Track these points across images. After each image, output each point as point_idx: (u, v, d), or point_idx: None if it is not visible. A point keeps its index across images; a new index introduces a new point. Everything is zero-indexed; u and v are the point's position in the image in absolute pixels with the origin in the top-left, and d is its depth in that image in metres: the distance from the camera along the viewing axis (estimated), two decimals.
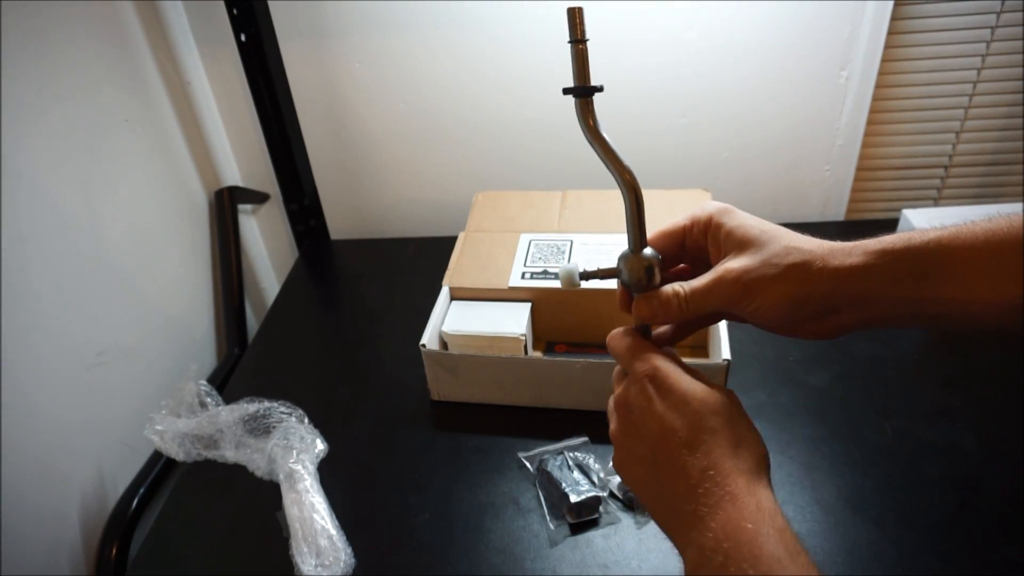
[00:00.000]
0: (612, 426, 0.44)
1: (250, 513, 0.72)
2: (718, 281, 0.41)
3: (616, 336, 0.46)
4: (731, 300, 0.40)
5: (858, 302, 0.38)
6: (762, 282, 0.39)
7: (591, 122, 0.41)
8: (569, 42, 0.40)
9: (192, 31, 1.02)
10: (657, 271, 0.43)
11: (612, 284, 0.46)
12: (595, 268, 0.45)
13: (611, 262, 0.46)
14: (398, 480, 0.74)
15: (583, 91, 0.41)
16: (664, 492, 0.40)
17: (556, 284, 0.81)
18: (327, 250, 1.17)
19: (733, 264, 0.40)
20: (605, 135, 0.42)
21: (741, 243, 0.41)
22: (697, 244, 0.44)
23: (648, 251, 0.43)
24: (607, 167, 0.42)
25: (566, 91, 0.41)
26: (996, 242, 0.35)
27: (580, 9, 0.40)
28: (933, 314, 0.37)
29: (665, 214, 0.88)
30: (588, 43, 0.40)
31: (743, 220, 0.42)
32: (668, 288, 0.43)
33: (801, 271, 0.39)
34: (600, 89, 0.41)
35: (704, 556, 0.36)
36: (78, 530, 0.78)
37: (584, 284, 0.47)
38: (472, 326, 0.80)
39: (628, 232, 0.44)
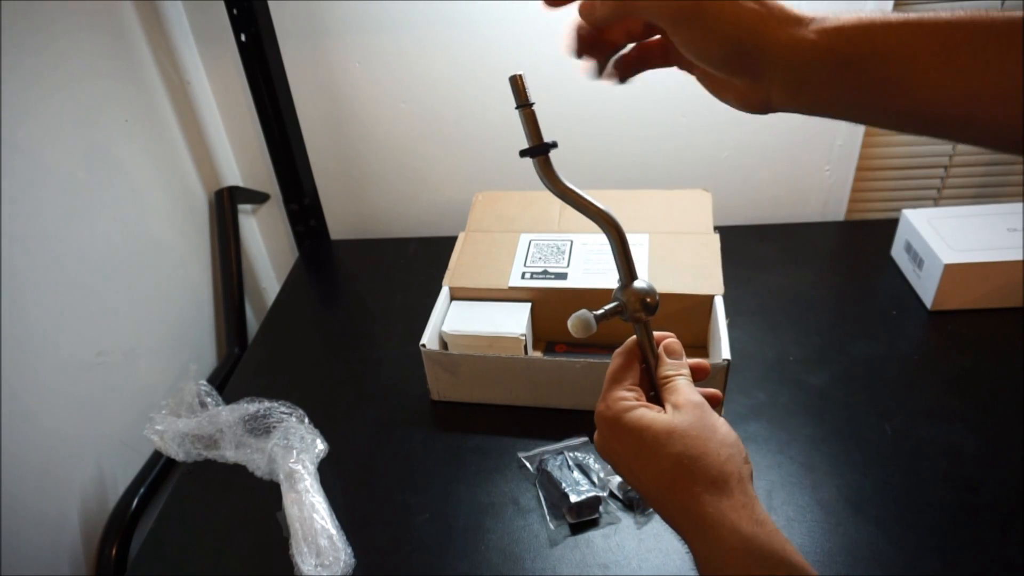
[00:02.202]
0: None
1: (250, 513, 0.72)
2: None
3: (614, 356, 0.46)
4: (667, 14, 0.37)
5: (796, 82, 0.36)
6: (700, 8, 0.36)
7: (553, 177, 0.43)
8: (516, 107, 0.42)
9: (192, 31, 1.02)
10: (651, 297, 0.44)
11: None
12: (602, 311, 0.45)
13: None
14: (398, 480, 0.74)
15: (538, 150, 0.42)
16: (658, 512, 0.43)
17: (556, 284, 0.81)
18: (327, 250, 1.17)
19: None
20: (569, 184, 0.43)
21: None
22: None
23: (640, 282, 0.44)
24: (583, 213, 0.43)
25: (522, 153, 0.42)
26: (958, 25, 0.32)
27: (521, 76, 0.42)
28: (881, 106, 0.36)
29: (665, 214, 0.89)
30: (535, 106, 0.42)
31: None
32: None
33: (745, 16, 0.36)
34: (554, 145, 0.42)
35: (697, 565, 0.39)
36: (78, 530, 0.78)
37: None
38: (472, 326, 0.80)
39: (618, 267, 0.45)
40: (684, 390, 0.43)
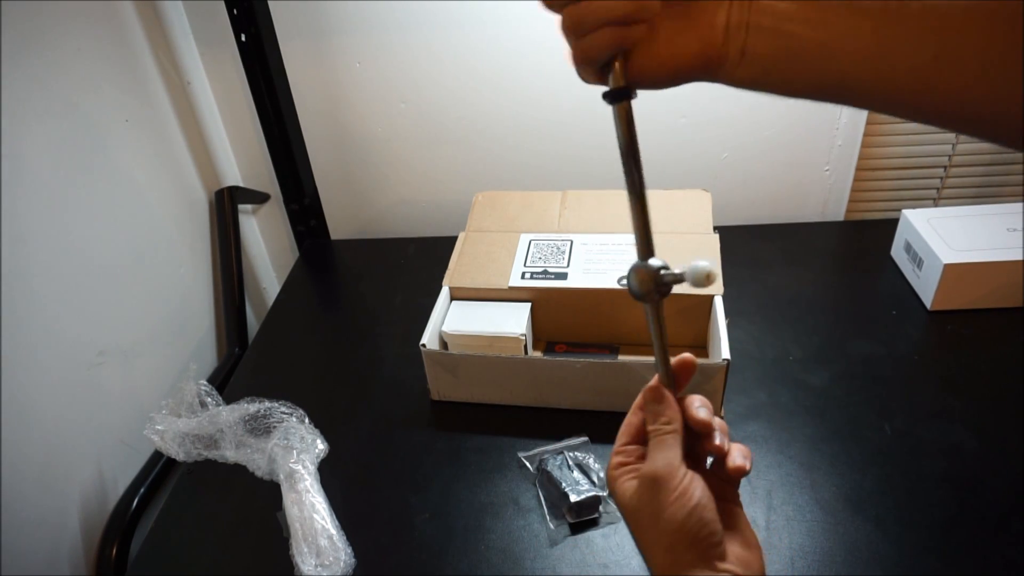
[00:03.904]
0: None
1: (250, 513, 0.72)
2: None
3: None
4: None
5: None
6: None
7: (628, 123, 0.44)
8: (618, 58, 0.43)
9: (192, 31, 1.02)
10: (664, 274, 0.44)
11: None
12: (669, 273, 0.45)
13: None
14: (398, 480, 0.74)
15: (620, 95, 0.43)
16: None
17: (556, 284, 0.81)
18: (327, 250, 1.17)
19: None
20: (637, 137, 0.44)
21: None
22: None
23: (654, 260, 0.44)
24: (624, 161, 0.44)
25: (605, 96, 0.43)
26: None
27: None
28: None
29: (665, 214, 0.89)
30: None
31: None
32: None
33: None
34: (633, 95, 0.43)
35: None
36: (78, 530, 0.78)
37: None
38: (472, 326, 0.81)
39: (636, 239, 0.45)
40: (652, 458, 0.42)
